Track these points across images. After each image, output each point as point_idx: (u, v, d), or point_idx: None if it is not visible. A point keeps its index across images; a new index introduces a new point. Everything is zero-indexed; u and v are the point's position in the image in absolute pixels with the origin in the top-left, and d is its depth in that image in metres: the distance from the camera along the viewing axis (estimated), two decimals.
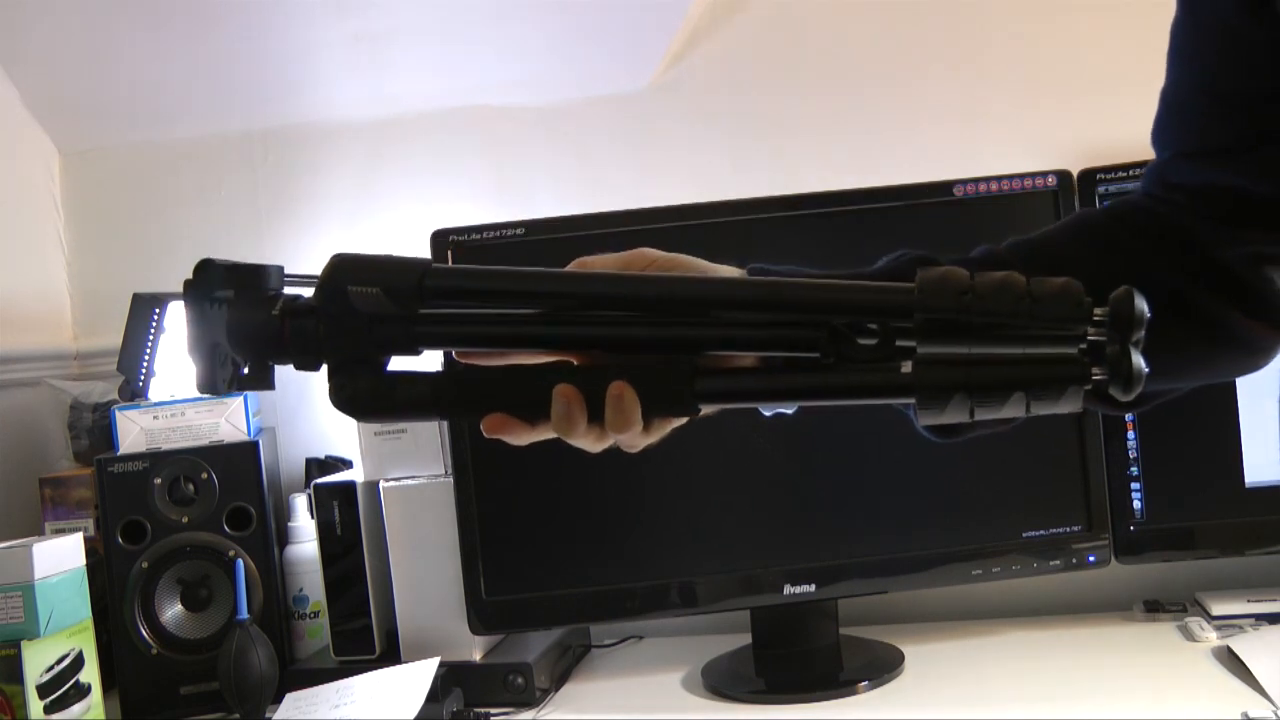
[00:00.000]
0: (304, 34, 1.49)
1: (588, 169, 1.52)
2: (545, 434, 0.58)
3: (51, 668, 1.12)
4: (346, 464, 1.46)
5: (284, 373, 0.59)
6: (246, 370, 0.57)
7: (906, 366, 0.52)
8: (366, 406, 0.57)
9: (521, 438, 0.58)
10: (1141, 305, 0.48)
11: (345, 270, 0.56)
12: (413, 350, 0.58)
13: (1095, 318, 0.50)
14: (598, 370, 0.56)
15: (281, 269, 0.58)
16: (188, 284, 0.57)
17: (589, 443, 0.59)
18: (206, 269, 0.57)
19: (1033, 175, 1.25)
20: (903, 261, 0.69)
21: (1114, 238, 0.73)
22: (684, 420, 0.60)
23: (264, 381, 0.58)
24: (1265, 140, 0.70)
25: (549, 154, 1.53)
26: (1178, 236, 0.72)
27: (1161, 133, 0.77)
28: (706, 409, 0.58)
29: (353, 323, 0.56)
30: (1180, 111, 0.75)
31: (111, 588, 1.29)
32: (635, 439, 0.59)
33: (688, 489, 1.24)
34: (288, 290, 0.59)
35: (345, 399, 0.57)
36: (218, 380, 0.57)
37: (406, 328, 0.57)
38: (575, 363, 0.58)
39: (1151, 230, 0.73)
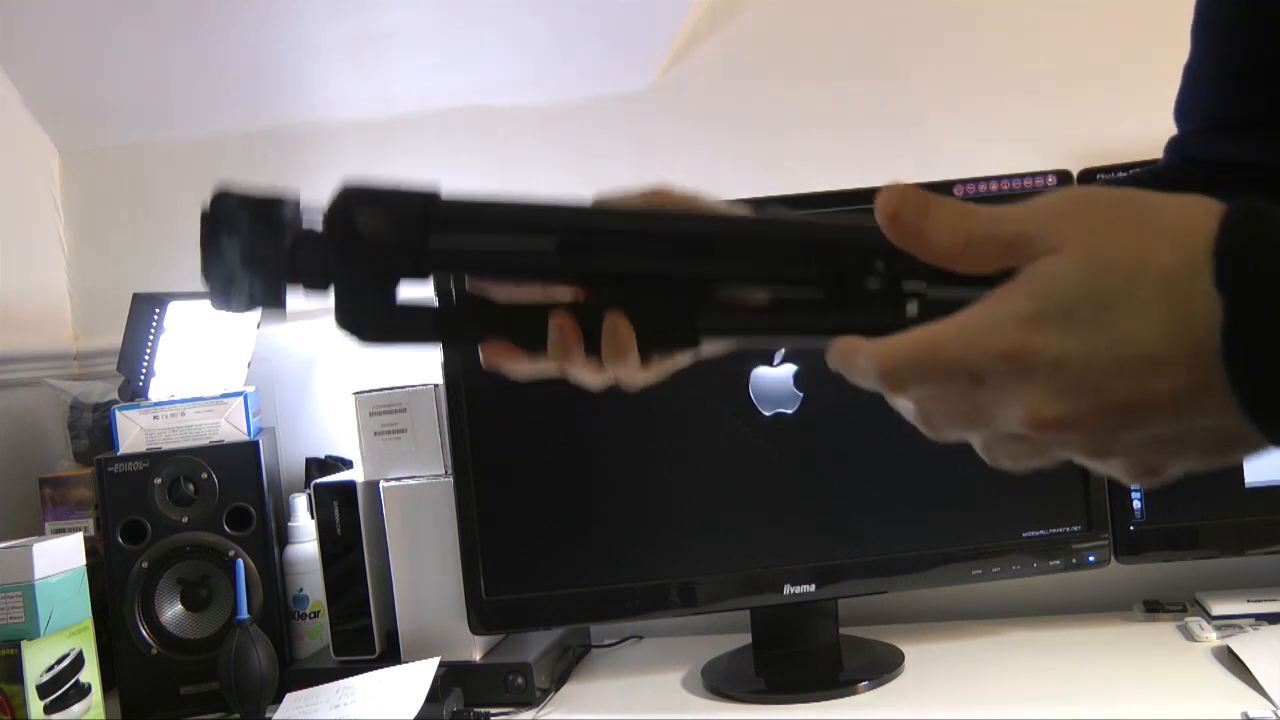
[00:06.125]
0: (304, 34, 1.49)
1: (588, 169, 1.51)
2: (545, 368, 0.58)
3: (51, 668, 1.12)
4: (346, 464, 1.46)
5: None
6: (259, 293, 0.58)
7: (913, 309, 0.51)
8: (369, 329, 0.57)
9: (521, 367, 0.58)
10: None
11: (352, 197, 0.57)
12: (416, 275, 0.58)
13: None
14: (599, 301, 0.57)
15: (298, 201, 0.59)
16: (205, 217, 0.58)
17: (588, 376, 0.58)
18: (224, 201, 0.57)
19: (1033, 175, 1.25)
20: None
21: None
22: (687, 359, 0.60)
23: (277, 302, 0.58)
24: None
25: (549, 154, 1.53)
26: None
27: (1183, 107, 0.76)
28: (708, 343, 0.57)
29: (360, 249, 0.56)
30: (1202, 86, 0.74)
31: (111, 588, 1.29)
32: (634, 374, 0.58)
33: (688, 489, 1.24)
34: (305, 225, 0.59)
35: (350, 320, 0.57)
36: (232, 299, 0.58)
37: (413, 255, 0.57)
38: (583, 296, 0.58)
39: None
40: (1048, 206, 0.43)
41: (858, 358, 0.47)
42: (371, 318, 0.57)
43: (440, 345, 0.60)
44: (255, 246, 0.57)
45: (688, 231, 0.57)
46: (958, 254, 0.45)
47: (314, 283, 0.58)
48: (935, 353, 0.44)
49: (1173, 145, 0.77)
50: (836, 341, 0.48)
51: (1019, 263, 0.43)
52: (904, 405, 0.47)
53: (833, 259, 0.53)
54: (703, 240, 0.57)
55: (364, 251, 0.56)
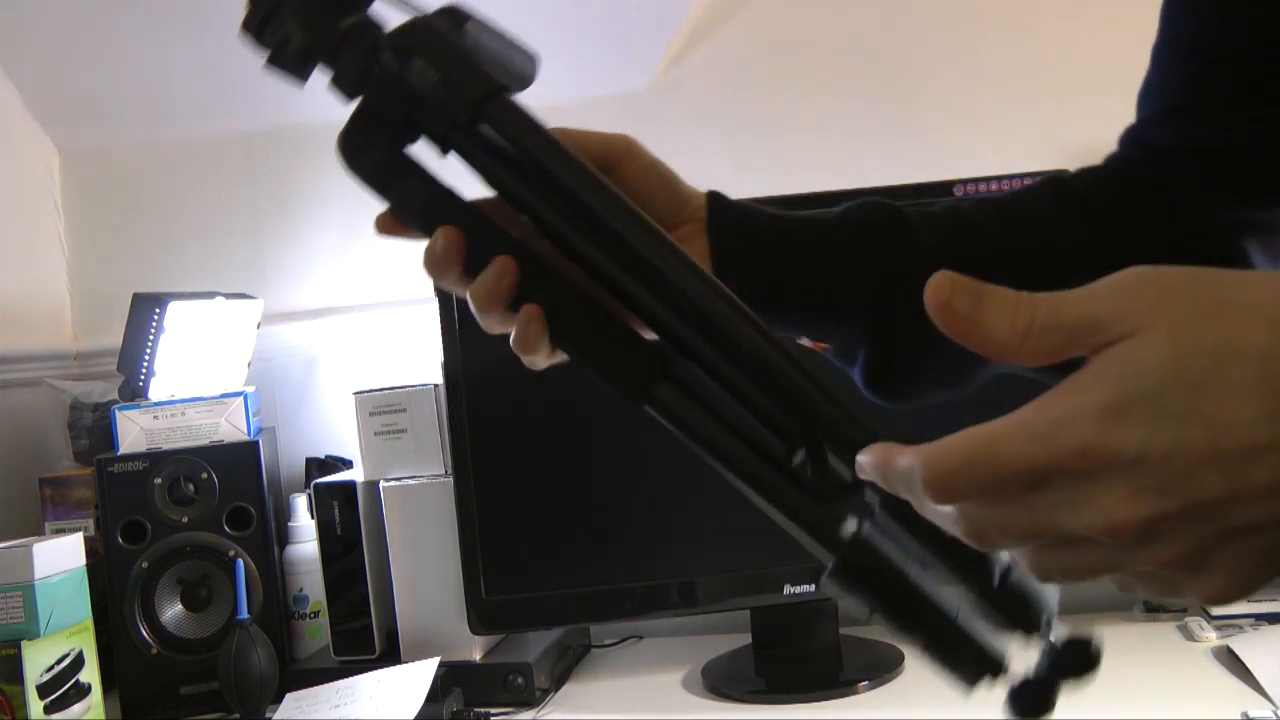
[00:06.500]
0: None
1: None
2: (465, 290, 0.55)
3: (51, 668, 1.12)
4: (346, 464, 1.46)
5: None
6: (291, 49, 0.53)
7: (853, 527, 0.48)
8: (365, 163, 0.53)
9: (451, 280, 0.55)
10: (1098, 655, 0.43)
11: (429, 33, 0.52)
12: (440, 144, 0.53)
13: (1044, 634, 0.44)
14: (562, 285, 0.53)
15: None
16: None
17: (492, 322, 0.55)
18: None
19: (1033, 175, 1.25)
20: (867, 211, 0.67)
21: (1093, 204, 0.70)
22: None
23: (299, 70, 0.53)
24: (1254, 96, 0.69)
25: None
26: (1157, 204, 0.70)
27: (1148, 90, 0.75)
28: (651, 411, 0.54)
29: (405, 85, 0.52)
30: (1168, 67, 0.74)
31: (111, 588, 1.29)
32: (540, 358, 0.56)
33: (688, 489, 1.24)
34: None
35: (349, 142, 0.53)
36: (264, 38, 0.53)
37: (446, 126, 0.52)
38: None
39: (1130, 198, 0.71)
40: (1115, 287, 0.40)
41: (897, 462, 0.41)
42: (376, 157, 0.53)
43: (414, 220, 0.54)
44: (322, 4, 0.52)
45: (688, 293, 0.52)
46: (1017, 345, 0.40)
47: (345, 82, 0.53)
48: (994, 453, 0.39)
49: (1129, 135, 0.76)
50: (869, 447, 0.44)
51: (1087, 351, 0.39)
52: (945, 513, 0.42)
53: (813, 425, 0.49)
54: (701, 315, 0.51)
55: (408, 92, 0.51)
